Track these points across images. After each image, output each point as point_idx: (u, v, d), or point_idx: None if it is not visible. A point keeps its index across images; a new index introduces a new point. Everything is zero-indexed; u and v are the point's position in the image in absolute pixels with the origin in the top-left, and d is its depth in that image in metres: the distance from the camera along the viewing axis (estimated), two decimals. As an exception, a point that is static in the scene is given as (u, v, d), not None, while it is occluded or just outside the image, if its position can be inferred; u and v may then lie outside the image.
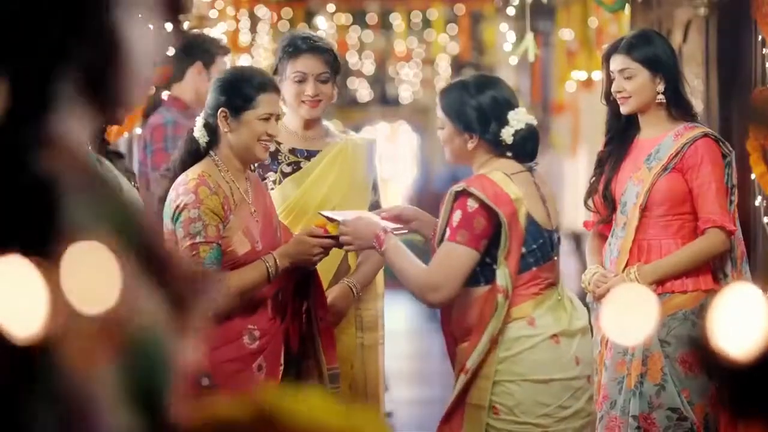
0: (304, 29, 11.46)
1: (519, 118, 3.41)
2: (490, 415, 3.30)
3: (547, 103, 10.76)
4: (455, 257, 3.31)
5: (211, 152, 3.57)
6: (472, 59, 12.84)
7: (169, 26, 6.12)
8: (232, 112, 3.53)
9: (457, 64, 12.75)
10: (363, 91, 15.73)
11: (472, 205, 3.31)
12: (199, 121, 3.60)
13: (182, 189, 3.47)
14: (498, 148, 3.42)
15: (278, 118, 3.65)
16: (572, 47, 9.36)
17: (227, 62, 5.12)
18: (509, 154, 3.42)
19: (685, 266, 3.88)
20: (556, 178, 11.20)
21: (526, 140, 3.42)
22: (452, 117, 3.44)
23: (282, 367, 3.63)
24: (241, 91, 3.54)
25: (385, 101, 15.66)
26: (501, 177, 3.35)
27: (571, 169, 10.58)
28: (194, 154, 3.58)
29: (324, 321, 3.68)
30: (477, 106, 3.40)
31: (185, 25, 6.87)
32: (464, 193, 3.33)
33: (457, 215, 3.32)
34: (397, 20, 12.23)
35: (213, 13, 7.87)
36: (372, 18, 12.23)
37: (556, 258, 3.46)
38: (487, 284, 3.34)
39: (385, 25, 12.70)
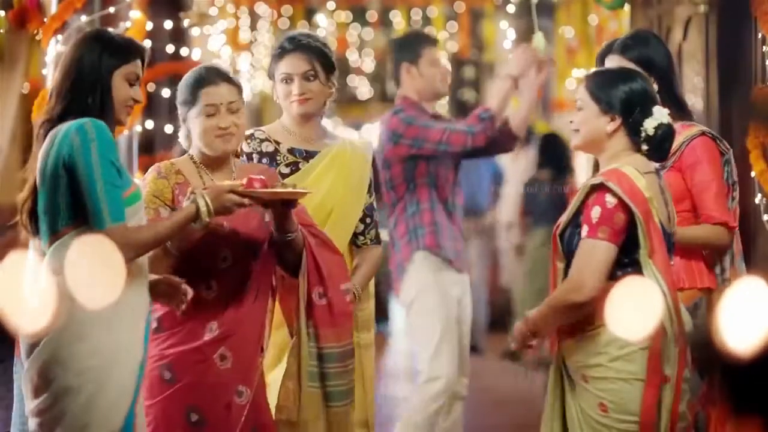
0: (303, 27, 11.47)
1: (663, 114, 3.40)
2: (597, 412, 3.30)
3: (548, 101, 10.75)
4: (597, 254, 3.28)
5: (190, 152, 3.69)
6: (472, 56, 12.84)
7: (168, 24, 6.13)
8: (183, 115, 3.68)
9: (457, 62, 12.74)
10: (363, 89, 15.72)
11: (611, 200, 3.29)
12: (183, 128, 3.72)
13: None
14: (635, 140, 3.40)
15: (233, 109, 3.61)
16: (572, 45, 9.36)
17: (437, 49, 5.15)
18: (645, 148, 3.40)
19: (683, 241, 3.85)
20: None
21: (665, 138, 3.40)
22: (597, 96, 3.41)
23: (263, 353, 3.65)
24: (183, 94, 3.67)
25: (385, 99, 15.63)
26: (633, 172, 3.33)
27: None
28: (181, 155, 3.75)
29: (326, 298, 3.68)
30: (627, 89, 3.39)
31: (185, 23, 6.88)
32: (602, 188, 3.31)
33: (596, 211, 3.29)
34: (397, 17, 12.23)
35: (213, 11, 7.87)
36: (372, 15, 12.23)
37: (672, 262, 3.46)
38: (624, 279, 3.30)
39: (385, 23, 12.69)
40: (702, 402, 3.78)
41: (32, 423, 3.19)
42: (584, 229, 3.30)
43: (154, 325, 3.49)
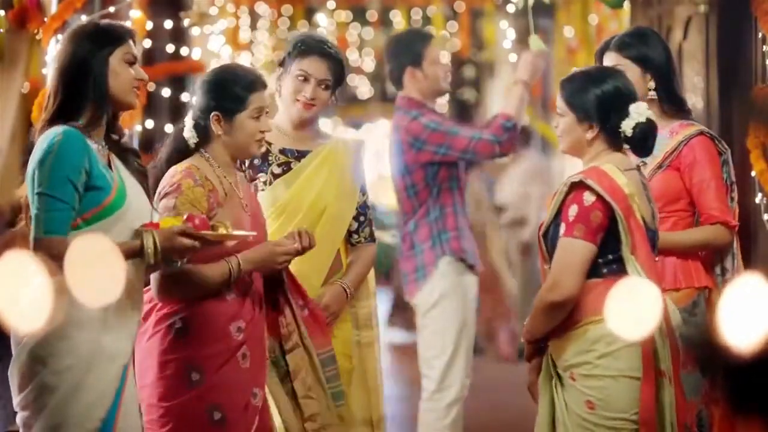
0: (303, 26, 11.47)
1: (640, 111, 3.38)
2: (584, 410, 3.29)
3: (548, 100, 10.75)
4: (572, 252, 3.28)
5: (202, 149, 3.60)
6: (472, 56, 12.83)
7: (168, 23, 6.13)
8: (225, 115, 3.56)
9: (457, 61, 12.73)
10: (363, 88, 15.73)
11: (588, 198, 3.29)
12: (189, 122, 3.61)
13: (167, 180, 3.51)
14: (616, 141, 3.40)
15: (267, 112, 3.65)
16: (572, 44, 9.35)
17: (436, 45, 5.03)
18: (627, 147, 3.39)
19: (683, 245, 3.87)
20: (556, 174, 11.20)
21: (646, 134, 3.38)
22: (573, 104, 3.42)
23: (268, 357, 3.65)
24: (231, 93, 3.56)
25: (385, 98, 15.64)
26: (612, 169, 3.32)
27: (571, 165, 10.56)
28: (182, 152, 3.61)
29: (308, 308, 3.70)
30: (599, 95, 3.38)
31: (186, 23, 6.88)
32: (580, 186, 3.31)
33: (573, 209, 3.29)
34: (397, 17, 12.23)
35: (213, 10, 7.87)
36: (372, 15, 12.23)
37: (656, 258, 3.46)
38: (609, 276, 3.31)
39: (385, 22, 12.68)
40: (705, 401, 3.78)
41: (18, 417, 3.22)
42: (561, 228, 3.31)
43: (179, 325, 3.46)
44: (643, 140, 3.39)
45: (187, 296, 3.44)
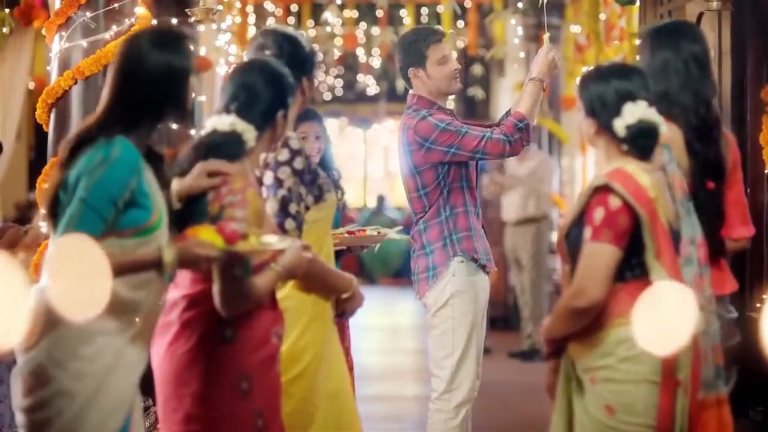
0: (311, 24, 11.46)
1: (634, 112, 3.30)
2: (604, 414, 3.25)
3: (557, 98, 10.72)
4: (599, 258, 3.22)
5: (244, 156, 3.44)
6: (480, 53, 12.81)
7: (174, 21, 6.10)
8: (285, 112, 3.49)
9: (466, 59, 12.71)
10: (371, 86, 15.74)
11: (614, 203, 3.23)
12: (249, 127, 3.43)
13: (226, 189, 3.35)
14: (615, 140, 3.33)
15: None
16: (581, 42, 9.32)
17: (443, 45, 4.97)
18: (624, 147, 3.31)
19: None
20: (566, 173, 11.18)
21: (640, 137, 3.30)
22: (580, 99, 3.38)
23: None
24: (290, 88, 3.52)
25: (393, 96, 15.63)
26: (637, 171, 3.26)
27: (581, 164, 10.56)
28: (229, 153, 3.42)
29: None
30: (595, 91, 3.34)
31: (191, 20, 6.85)
32: (605, 189, 3.25)
33: (600, 213, 3.23)
34: (405, 15, 12.22)
35: (220, 7, 7.84)
36: (380, 13, 12.21)
37: (679, 260, 3.40)
38: (632, 280, 3.26)
39: (393, 20, 12.67)
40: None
41: (20, 418, 3.12)
42: (587, 232, 3.25)
43: (229, 333, 3.36)
44: (637, 141, 3.31)
45: (247, 307, 3.38)
